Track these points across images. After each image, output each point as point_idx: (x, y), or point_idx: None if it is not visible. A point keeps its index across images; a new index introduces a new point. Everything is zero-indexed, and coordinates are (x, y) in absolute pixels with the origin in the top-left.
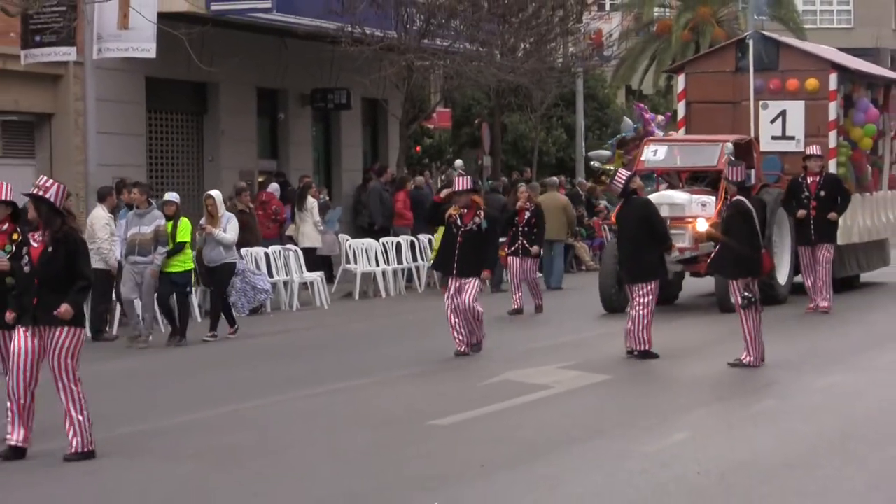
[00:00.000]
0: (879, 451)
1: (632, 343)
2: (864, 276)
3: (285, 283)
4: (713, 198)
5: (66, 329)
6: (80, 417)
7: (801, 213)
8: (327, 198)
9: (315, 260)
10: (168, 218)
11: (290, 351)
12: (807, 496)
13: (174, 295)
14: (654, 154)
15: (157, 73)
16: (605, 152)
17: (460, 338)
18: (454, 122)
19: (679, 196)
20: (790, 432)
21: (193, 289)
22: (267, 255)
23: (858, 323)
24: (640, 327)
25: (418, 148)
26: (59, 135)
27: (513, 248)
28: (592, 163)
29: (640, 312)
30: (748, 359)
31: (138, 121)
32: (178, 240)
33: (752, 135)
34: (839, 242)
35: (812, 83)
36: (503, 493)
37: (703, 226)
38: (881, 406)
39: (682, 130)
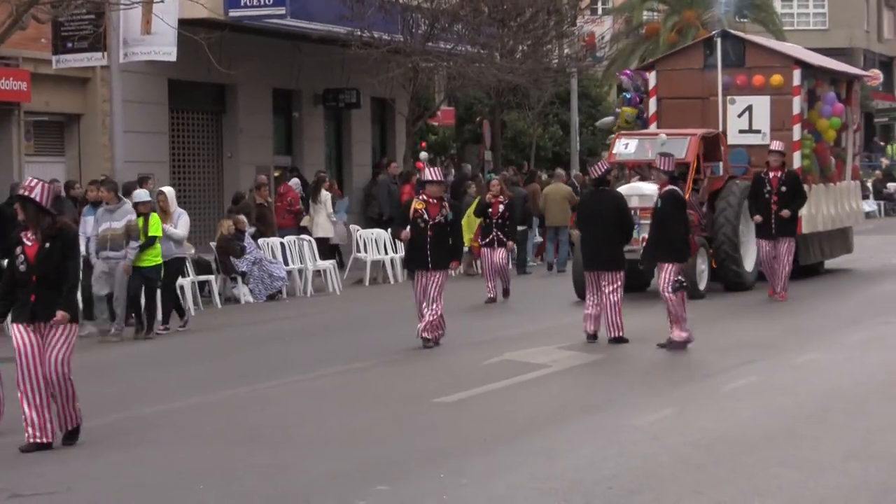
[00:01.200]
0: (856, 422)
1: (595, 326)
2: (829, 263)
3: (300, 271)
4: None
5: (62, 326)
6: (73, 412)
7: (757, 218)
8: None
9: (328, 249)
10: (139, 214)
11: (304, 334)
12: (787, 465)
13: (144, 288)
14: (625, 147)
15: (179, 76)
16: (609, 119)
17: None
18: (457, 119)
19: (648, 187)
20: (771, 406)
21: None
22: (283, 244)
23: (830, 305)
24: (614, 313)
25: (423, 144)
26: (88, 134)
27: (487, 240)
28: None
29: (612, 299)
30: (681, 335)
31: (162, 120)
32: (150, 234)
33: (720, 129)
34: (804, 231)
35: (777, 79)
36: (504, 465)
37: None
38: (857, 380)
39: (653, 125)
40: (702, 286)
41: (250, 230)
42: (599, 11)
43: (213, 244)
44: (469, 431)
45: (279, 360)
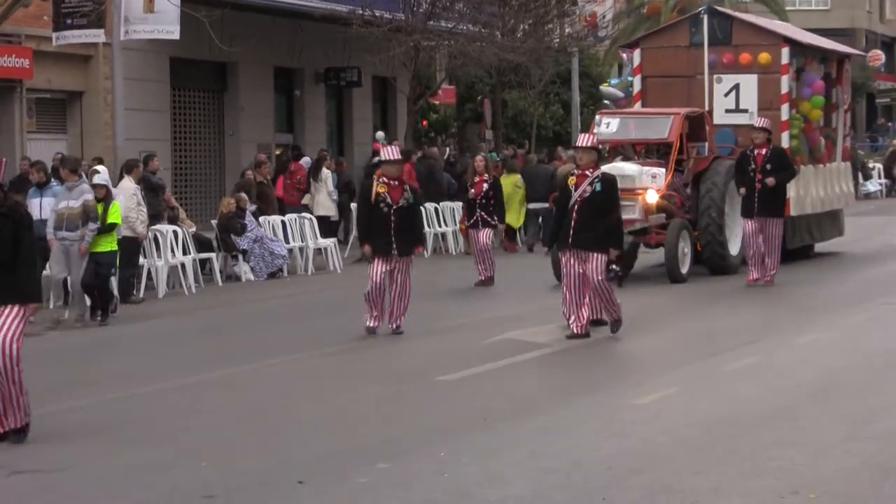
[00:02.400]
0: (855, 402)
1: (593, 313)
2: (823, 246)
3: (301, 249)
4: (663, 170)
5: (10, 308)
6: (18, 405)
7: (742, 190)
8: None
9: (329, 227)
10: (98, 200)
11: (305, 312)
12: (787, 445)
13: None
14: (606, 126)
15: (181, 54)
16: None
17: (376, 314)
18: (458, 98)
19: (630, 168)
20: (771, 386)
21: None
22: (283, 222)
23: (831, 286)
24: (607, 298)
25: (425, 122)
26: (90, 111)
27: (472, 221)
28: (606, 101)
29: (601, 282)
30: (611, 316)
31: (163, 98)
32: (109, 221)
33: (707, 108)
34: (793, 213)
35: (765, 57)
36: (504, 443)
37: (653, 197)
38: (856, 361)
39: (638, 104)
40: (684, 270)
41: (251, 208)
42: None
43: (213, 222)
44: (470, 410)
45: (279, 339)
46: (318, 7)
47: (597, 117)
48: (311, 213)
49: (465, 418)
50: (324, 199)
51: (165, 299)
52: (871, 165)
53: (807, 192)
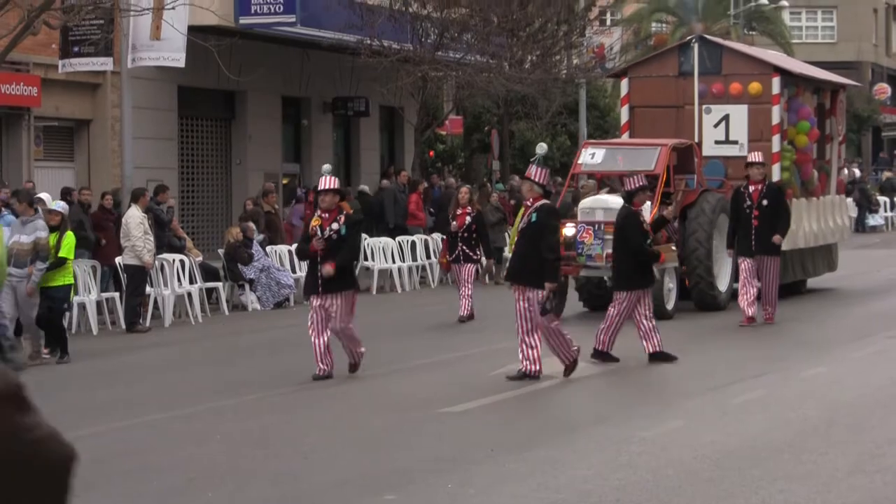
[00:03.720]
0: (861, 435)
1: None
2: (819, 280)
3: None
4: (649, 203)
5: None
6: None
7: (730, 252)
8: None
9: None
10: (53, 229)
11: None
12: (794, 479)
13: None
14: (591, 157)
15: (189, 82)
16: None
17: (322, 359)
18: (465, 128)
19: (614, 200)
20: (778, 419)
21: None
22: (290, 252)
23: (836, 319)
24: (557, 340)
25: (431, 153)
26: (97, 139)
27: (453, 256)
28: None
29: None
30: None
31: (171, 126)
32: (61, 254)
33: (695, 139)
34: (784, 248)
35: (755, 87)
36: (511, 475)
37: None
38: (862, 394)
39: (625, 135)
40: (670, 306)
41: (259, 237)
42: (608, 22)
43: (221, 251)
44: (476, 441)
45: (285, 368)
46: (326, 37)
47: (582, 147)
48: None
49: (471, 449)
50: None
51: (172, 328)
52: (876, 198)
53: (799, 225)
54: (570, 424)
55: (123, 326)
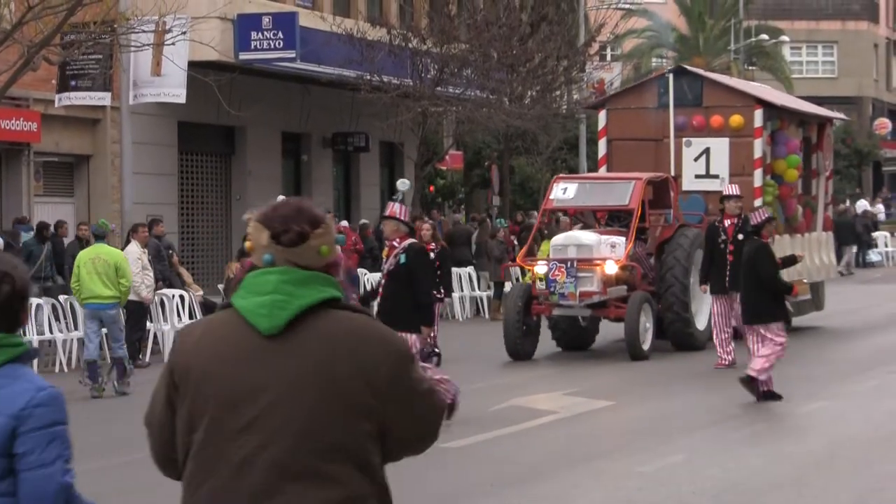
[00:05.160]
0: (863, 469)
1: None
2: (819, 314)
3: None
4: (623, 239)
5: None
6: None
7: (704, 289)
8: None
9: None
10: None
11: None
12: None
13: None
14: (563, 192)
15: (189, 118)
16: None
17: None
18: (465, 164)
19: (587, 237)
20: (779, 454)
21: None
22: None
23: (837, 353)
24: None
25: (432, 188)
26: (97, 175)
27: None
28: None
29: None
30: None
31: (171, 162)
32: None
33: (674, 173)
34: None
35: (737, 120)
36: None
37: (612, 268)
38: (864, 428)
39: (603, 168)
40: (646, 346)
41: None
42: (609, 58)
43: (221, 286)
44: (477, 476)
45: None
46: (326, 72)
47: (553, 182)
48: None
49: (473, 484)
50: None
51: None
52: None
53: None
54: (570, 459)
55: None
